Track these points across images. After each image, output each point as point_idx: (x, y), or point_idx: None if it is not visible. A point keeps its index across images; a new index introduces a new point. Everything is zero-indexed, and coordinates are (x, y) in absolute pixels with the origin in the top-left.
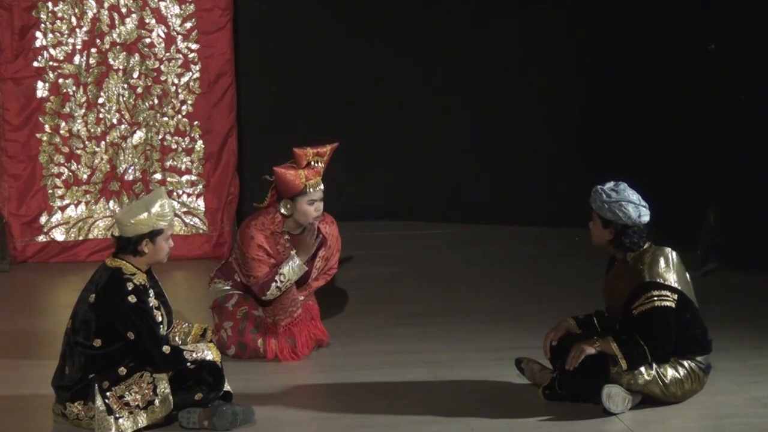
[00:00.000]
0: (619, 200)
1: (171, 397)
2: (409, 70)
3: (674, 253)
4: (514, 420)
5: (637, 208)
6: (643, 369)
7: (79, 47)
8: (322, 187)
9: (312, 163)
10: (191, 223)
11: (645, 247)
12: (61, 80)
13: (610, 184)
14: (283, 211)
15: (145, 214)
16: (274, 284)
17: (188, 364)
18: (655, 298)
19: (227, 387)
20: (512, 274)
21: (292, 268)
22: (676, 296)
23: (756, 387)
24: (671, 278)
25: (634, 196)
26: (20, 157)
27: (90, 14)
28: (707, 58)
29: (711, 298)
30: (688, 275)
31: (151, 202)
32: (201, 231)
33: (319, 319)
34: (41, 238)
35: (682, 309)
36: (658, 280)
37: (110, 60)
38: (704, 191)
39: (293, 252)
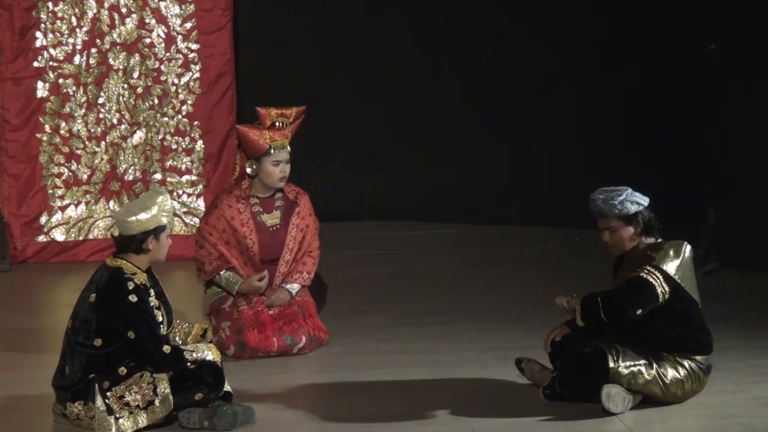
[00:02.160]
0: (623, 191)
1: (171, 397)
2: (409, 70)
3: (688, 247)
4: (514, 420)
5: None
6: (643, 369)
7: (79, 47)
8: (288, 149)
9: (277, 124)
10: (191, 223)
11: (659, 241)
12: (61, 80)
13: (600, 191)
14: (248, 171)
15: (150, 211)
16: (209, 276)
17: (188, 364)
18: (645, 271)
19: (227, 387)
20: (512, 274)
21: (229, 279)
22: (667, 288)
23: (756, 387)
24: (671, 268)
25: (623, 186)
26: (20, 157)
27: (90, 14)
28: (707, 58)
29: (711, 298)
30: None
31: (152, 199)
32: None
33: (316, 316)
34: (41, 238)
35: (683, 306)
36: (660, 265)
37: (110, 60)
38: (704, 191)
39: (239, 278)
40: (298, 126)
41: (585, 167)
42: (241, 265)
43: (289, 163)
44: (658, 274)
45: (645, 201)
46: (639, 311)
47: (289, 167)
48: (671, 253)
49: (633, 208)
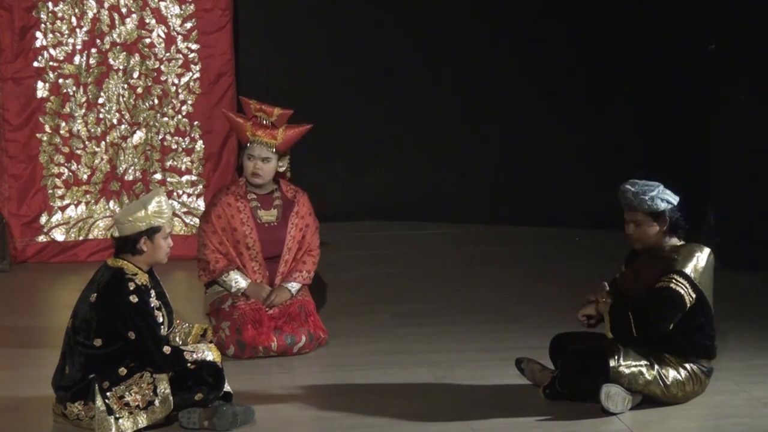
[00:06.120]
0: (656, 187)
1: (171, 398)
2: (409, 70)
3: (712, 256)
4: (514, 420)
5: (666, 188)
6: (644, 369)
7: (79, 47)
8: (272, 150)
9: (260, 118)
10: (191, 223)
11: (682, 243)
12: (61, 80)
13: (632, 182)
14: (239, 160)
15: (143, 211)
16: (216, 276)
17: (188, 364)
18: (674, 281)
19: (227, 387)
20: (512, 274)
21: (236, 279)
22: (694, 295)
23: (756, 387)
24: (695, 274)
25: (655, 182)
26: (20, 157)
27: (90, 14)
28: (707, 58)
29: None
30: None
31: (148, 200)
32: None
33: (316, 314)
34: (41, 239)
35: (698, 312)
36: (685, 271)
37: (110, 60)
38: (704, 191)
39: (247, 280)
40: (297, 135)
41: (585, 168)
42: (242, 264)
43: (267, 164)
44: (686, 283)
45: (675, 200)
46: (671, 325)
47: (269, 168)
48: (696, 257)
49: (662, 206)
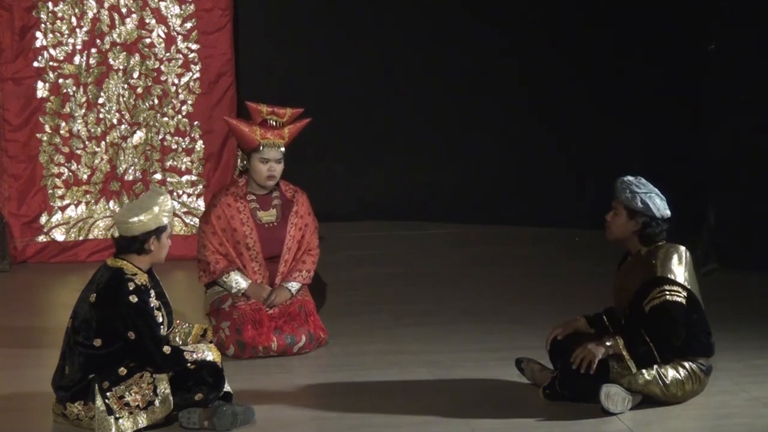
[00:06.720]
0: (648, 192)
1: (171, 398)
2: (410, 70)
3: (688, 253)
4: (514, 420)
5: (662, 201)
6: (643, 369)
7: (79, 47)
8: (281, 150)
9: (269, 121)
10: (191, 223)
11: (660, 243)
12: (61, 80)
13: (635, 177)
14: (240, 164)
15: (152, 211)
16: (216, 277)
17: (188, 364)
18: (667, 293)
19: (227, 387)
20: (512, 274)
21: (236, 280)
22: (685, 294)
23: (756, 387)
24: (682, 276)
25: (656, 189)
26: (20, 157)
27: (90, 14)
28: (707, 58)
29: (711, 298)
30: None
31: (153, 199)
32: None
33: (316, 314)
34: (41, 239)
35: (690, 309)
36: (670, 276)
37: (110, 60)
38: (704, 191)
39: (247, 281)
40: (299, 130)
41: (584, 168)
42: (242, 264)
43: (280, 164)
44: (676, 288)
45: (659, 211)
46: (683, 336)
47: (281, 168)
48: (674, 258)
49: (639, 206)
